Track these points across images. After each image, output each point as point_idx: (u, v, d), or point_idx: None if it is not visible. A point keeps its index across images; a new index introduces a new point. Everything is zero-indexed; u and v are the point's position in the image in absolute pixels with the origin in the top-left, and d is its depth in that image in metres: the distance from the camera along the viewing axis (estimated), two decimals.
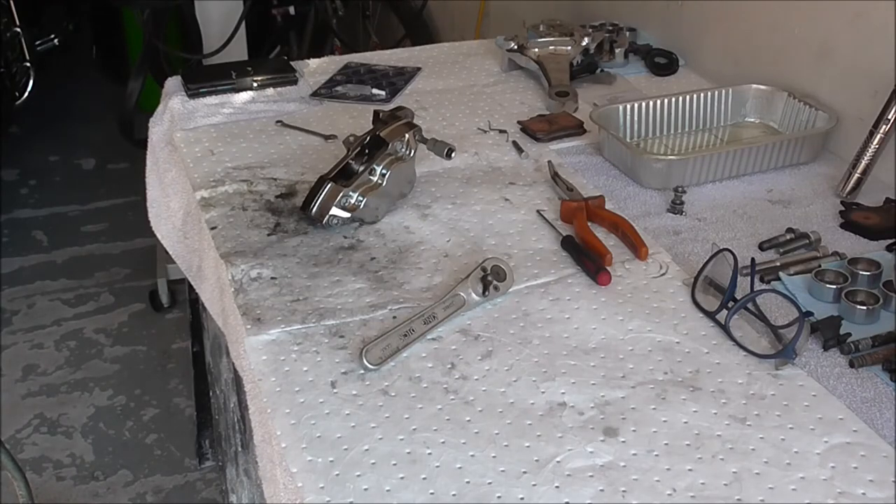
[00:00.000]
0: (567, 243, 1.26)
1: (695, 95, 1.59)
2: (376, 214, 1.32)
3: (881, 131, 1.36)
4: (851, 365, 1.05)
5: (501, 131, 1.58)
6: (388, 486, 0.90)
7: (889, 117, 1.35)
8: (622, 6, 2.02)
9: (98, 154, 3.96)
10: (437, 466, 0.92)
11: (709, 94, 1.59)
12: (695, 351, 1.08)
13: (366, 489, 0.90)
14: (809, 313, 1.06)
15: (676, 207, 1.36)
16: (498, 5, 2.86)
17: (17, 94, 3.68)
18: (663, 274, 1.21)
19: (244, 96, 1.72)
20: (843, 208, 1.36)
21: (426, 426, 0.97)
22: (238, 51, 2.60)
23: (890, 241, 1.27)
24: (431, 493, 0.89)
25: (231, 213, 1.35)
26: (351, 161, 1.32)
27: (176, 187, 1.55)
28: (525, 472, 0.92)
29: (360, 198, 1.29)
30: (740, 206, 1.38)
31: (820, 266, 1.20)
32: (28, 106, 3.74)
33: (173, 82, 1.77)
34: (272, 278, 1.21)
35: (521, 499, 0.89)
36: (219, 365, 1.83)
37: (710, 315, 1.12)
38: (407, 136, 1.34)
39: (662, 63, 1.83)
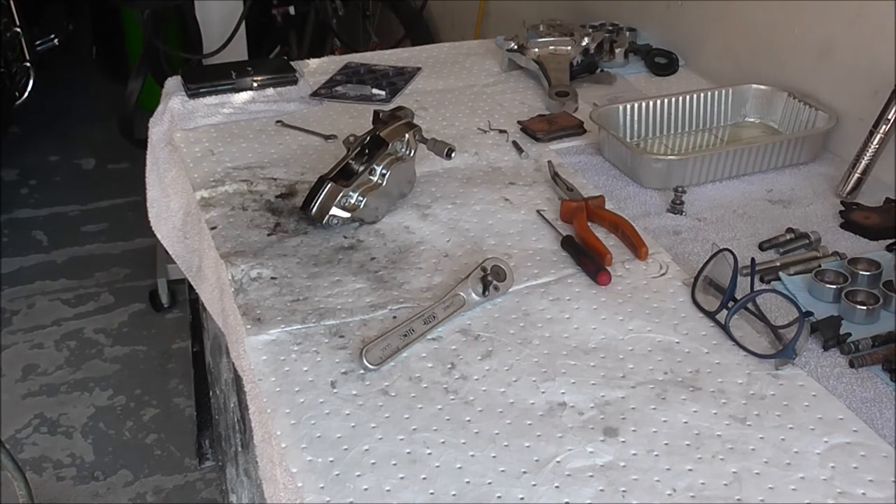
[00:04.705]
0: (567, 243, 1.26)
1: (695, 95, 1.59)
2: (376, 214, 1.32)
3: (881, 131, 1.36)
4: (851, 365, 1.05)
5: (501, 131, 1.58)
6: (388, 486, 0.90)
7: (889, 117, 1.35)
8: (622, 6, 2.02)
9: (98, 154, 3.96)
10: (437, 466, 0.92)
11: (709, 94, 1.59)
12: (695, 351, 1.08)
13: (366, 489, 0.90)
14: (809, 313, 1.06)
15: (676, 207, 1.36)
16: (498, 5, 2.86)
17: (17, 94, 3.68)
18: (663, 274, 1.21)
19: (244, 96, 1.72)
20: (843, 208, 1.36)
21: (426, 426, 0.97)
22: (238, 51, 2.60)
23: (890, 241, 1.27)
24: (431, 493, 0.89)
25: (231, 213, 1.35)
26: (351, 161, 1.32)
27: (176, 187, 1.55)
28: (525, 472, 0.92)
29: (360, 198, 1.29)
30: (740, 206, 1.38)
31: (820, 266, 1.20)
32: (28, 106, 3.74)
33: (173, 82, 1.77)
34: (272, 278, 1.21)
35: (521, 499, 0.89)
36: (219, 365, 1.83)
37: (710, 315, 1.12)
38: (407, 136, 1.34)
39: (662, 63, 1.83)
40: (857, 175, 1.38)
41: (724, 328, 1.09)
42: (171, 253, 1.61)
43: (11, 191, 3.73)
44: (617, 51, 1.82)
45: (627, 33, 1.89)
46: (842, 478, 0.91)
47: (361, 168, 1.31)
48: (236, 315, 1.15)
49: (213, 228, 1.32)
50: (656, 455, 0.93)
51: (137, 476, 2.46)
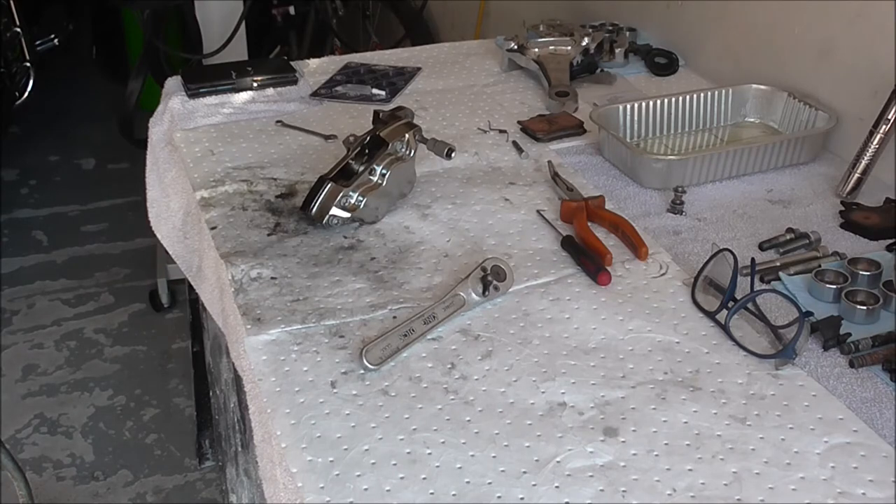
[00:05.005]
0: (567, 243, 1.26)
1: (695, 95, 1.59)
2: (376, 214, 1.32)
3: (881, 131, 1.36)
4: (851, 365, 1.05)
5: (501, 131, 1.58)
6: (388, 486, 0.90)
7: (889, 117, 1.35)
8: (622, 6, 2.02)
9: (98, 154, 3.96)
10: (437, 466, 0.92)
11: (709, 94, 1.59)
12: (695, 351, 1.08)
13: (366, 489, 0.90)
14: (809, 313, 1.06)
15: (676, 207, 1.36)
16: (498, 5, 2.86)
17: (17, 94, 3.68)
18: (663, 274, 1.21)
19: (244, 96, 1.72)
20: (843, 208, 1.36)
21: (426, 426, 0.97)
22: (238, 51, 2.60)
23: (890, 241, 1.27)
24: (431, 493, 0.89)
25: (231, 213, 1.35)
26: (351, 161, 1.32)
27: (176, 187, 1.55)
28: (525, 472, 0.92)
29: (360, 198, 1.29)
30: (740, 206, 1.38)
31: (820, 266, 1.20)
32: (28, 106, 3.74)
33: (173, 82, 1.77)
34: (272, 278, 1.21)
35: (521, 499, 0.89)
36: (219, 365, 1.83)
37: (710, 315, 1.12)
38: (407, 136, 1.34)
39: (662, 63, 1.83)
40: (857, 175, 1.38)
41: (724, 328, 1.09)
42: (171, 253, 1.61)
43: (11, 191, 3.73)
44: (617, 51, 1.82)
45: (627, 33, 1.89)
46: (842, 478, 0.91)
47: (361, 168, 1.31)
48: (236, 315, 1.15)
49: (213, 228, 1.32)
50: (656, 455, 0.93)
51: (137, 476, 2.46)
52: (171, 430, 2.60)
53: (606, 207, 1.33)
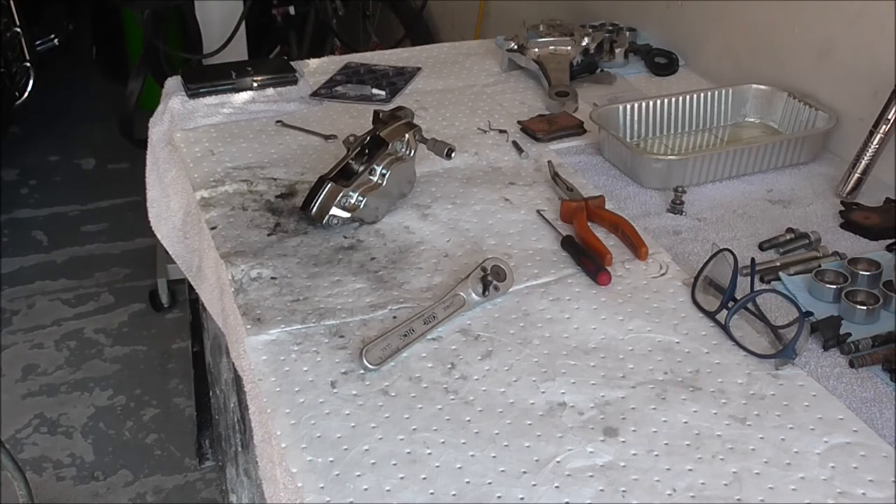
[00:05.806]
0: (567, 243, 1.26)
1: (695, 95, 1.59)
2: (376, 214, 1.32)
3: (881, 131, 1.36)
4: (851, 365, 1.05)
5: (501, 131, 1.58)
6: (388, 486, 0.90)
7: (889, 117, 1.35)
8: (622, 6, 2.02)
9: (98, 154, 3.96)
10: (437, 466, 0.92)
11: (709, 94, 1.59)
12: (695, 351, 1.08)
13: (366, 489, 0.90)
14: (809, 313, 1.06)
15: (676, 207, 1.36)
16: (498, 5, 2.87)
17: (17, 94, 3.68)
18: (663, 274, 1.21)
19: (244, 96, 1.72)
20: (843, 208, 1.36)
21: (426, 426, 0.97)
22: (238, 51, 2.60)
23: (890, 241, 1.27)
24: (431, 493, 0.89)
25: (231, 213, 1.35)
26: (351, 161, 1.32)
27: (176, 187, 1.55)
28: (525, 472, 0.92)
29: (360, 198, 1.29)
30: (740, 206, 1.38)
31: (820, 266, 1.20)
32: (28, 106, 3.74)
33: (173, 82, 1.77)
34: (272, 278, 1.21)
35: (521, 499, 0.89)
36: (219, 365, 1.83)
37: (710, 315, 1.12)
38: (407, 136, 1.34)
39: (662, 63, 1.83)
40: (857, 175, 1.38)
41: (724, 328, 1.09)
42: (171, 253, 1.61)
43: (11, 191, 3.73)
44: (617, 51, 1.82)
45: (627, 33, 1.89)
46: (842, 478, 0.91)
47: (361, 168, 1.31)
48: (236, 315, 1.15)
49: (213, 228, 1.32)
50: (656, 455, 0.93)
51: (137, 476, 2.46)
52: (171, 430, 2.60)
53: (606, 207, 1.33)
